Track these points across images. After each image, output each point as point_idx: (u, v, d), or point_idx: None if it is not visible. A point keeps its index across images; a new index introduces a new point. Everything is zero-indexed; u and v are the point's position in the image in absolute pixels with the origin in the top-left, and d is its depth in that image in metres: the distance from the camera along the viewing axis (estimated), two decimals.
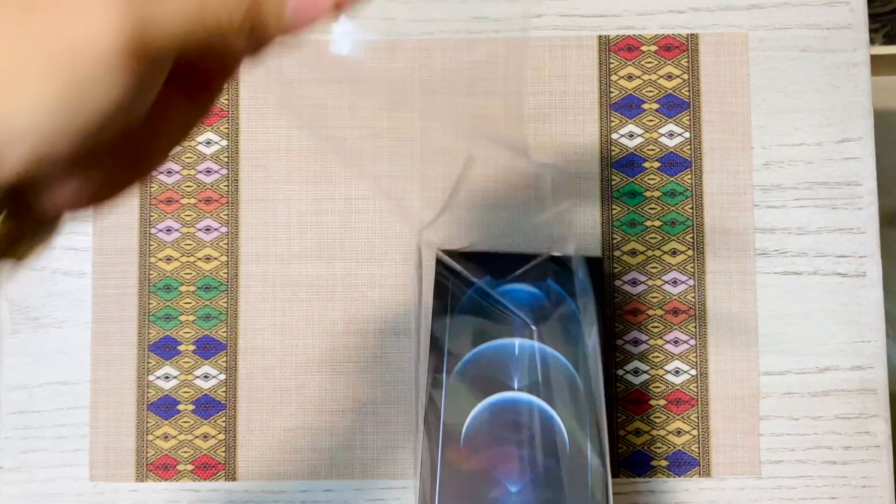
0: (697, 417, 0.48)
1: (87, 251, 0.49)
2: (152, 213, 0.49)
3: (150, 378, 0.48)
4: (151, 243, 0.49)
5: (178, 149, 0.23)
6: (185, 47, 0.17)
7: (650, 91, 0.49)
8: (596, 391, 0.38)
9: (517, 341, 0.39)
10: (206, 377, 0.48)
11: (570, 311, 0.39)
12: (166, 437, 0.48)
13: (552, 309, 0.39)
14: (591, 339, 0.39)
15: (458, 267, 0.40)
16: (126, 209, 0.49)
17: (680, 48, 0.49)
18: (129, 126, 0.18)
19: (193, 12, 0.17)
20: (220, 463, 0.48)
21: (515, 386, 0.38)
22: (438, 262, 0.41)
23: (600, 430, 0.37)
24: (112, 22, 0.16)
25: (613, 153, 0.49)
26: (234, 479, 0.47)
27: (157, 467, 0.48)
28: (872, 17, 1.23)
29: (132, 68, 0.16)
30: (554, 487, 0.36)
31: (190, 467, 0.48)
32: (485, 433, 0.37)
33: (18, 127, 0.16)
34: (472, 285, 0.40)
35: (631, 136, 0.49)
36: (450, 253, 0.41)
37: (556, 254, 0.40)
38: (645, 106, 0.49)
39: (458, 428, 0.37)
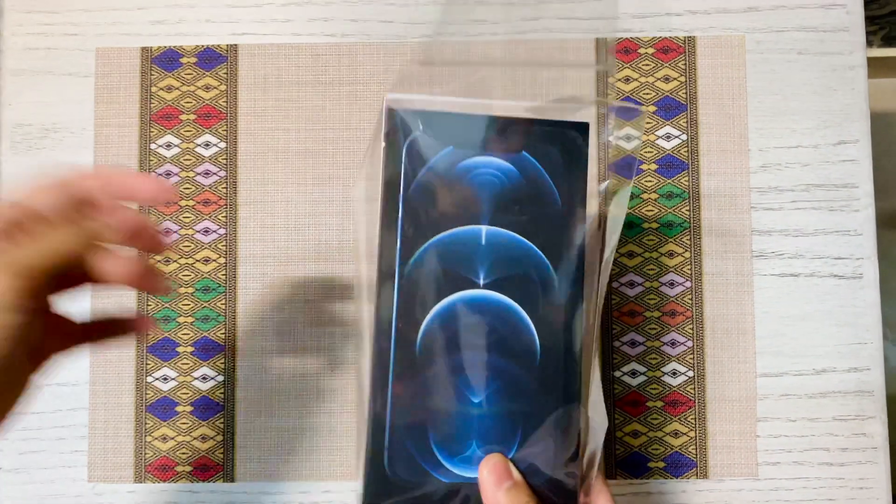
0: (695, 419, 0.48)
1: None
2: (151, 215, 0.49)
3: (149, 379, 0.48)
4: None
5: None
6: (52, 271, 0.29)
7: (647, 93, 0.49)
8: (580, 286, 0.32)
9: (484, 228, 0.32)
10: (204, 378, 0.48)
11: (549, 193, 0.32)
12: (165, 438, 0.48)
13: (527, 189, 0.33)
14: (577, 226, 0.33)
15: (411, 128, 0.32)
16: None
17: (677, 51, 0.49)
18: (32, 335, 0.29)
19: (50, 246, 0.29)
20: (218, 464, 0.48)
21: (481, 282, 0.32)
22: (388, 119, 0.32)
23: (580, 336, 0.32)
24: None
25: (611, 155, 0.49)
26: (233, 481, 0.48)
27: (156, 468, 0.48)
28: (870, 19, 1.23)
29: (20, 284, 0.28)
30: (521, 399, 0.32)
31: (188, 468, 0.48)
32: (444, 337, 0.32)
33: None
34: (431, 155, 0.32)
35: (628, 138, 0.49)
36: (405, 111, 0.33)
37: (534, 117, 0.33)
38: (642, 108, 0.49)
39: (414, 332, 0.32)
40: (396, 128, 0.32)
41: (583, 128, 0.33)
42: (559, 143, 0.33)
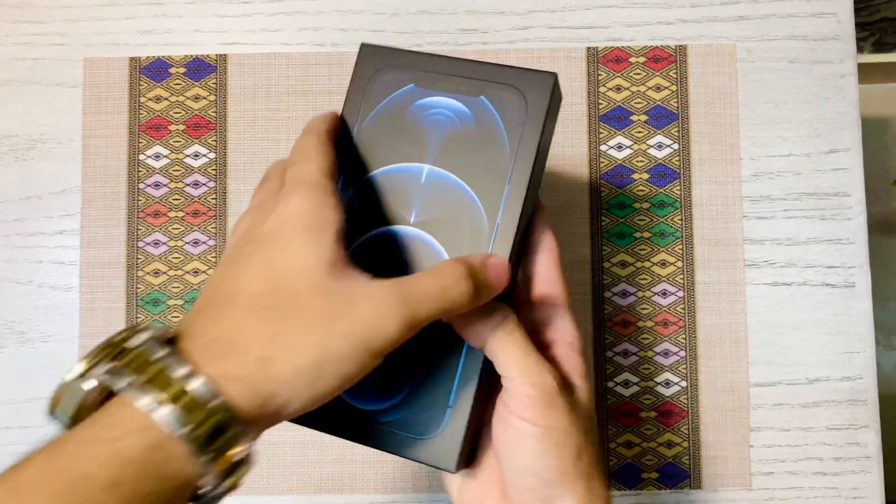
0: (688, 429, 0.47)
1: (75, 265, 0.48)
2: (140, 227, 0.49)
3: None
4: (139, 257, 0.48)
5: None
6: (431, 318, 0.28)
7: (639, 102, 0.49)
8: (510, 241, 0.31)
9: (426, 167, 0.32)
10: None
11: (500, 140, 0.32)
12: None
13: (478, 134, 0.32)
14: (519, 178, 0.31)
15: (380, 64, 0.33)
16: (113, 222, 0.49)
17: (668, 59, 0.49)
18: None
19: (439, 303, 0.27)
20: None
21: (412, 220, 0.32)
22: (360, 58, 0.34)
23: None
24: (396, 322, 0.26)
25: (602, 165, 0.49)
26: None
27: None
28: (861, 25, 1.24)
29: (404, 336, 0.27)
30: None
31: None
32: (367, 267, 0.30)
33: (321, 392, 0.26)
34: (392, 91, 0.33)
35: (620, 147, 0.49)
36: (376, 48, 0.34)
37: (499, 64, 0.33)
38: (633, 117, 0.49)
39: None
40: (365, 63, 0.34)
41: (548, 77, 0.32)
42: (521, 91, 0.32)
